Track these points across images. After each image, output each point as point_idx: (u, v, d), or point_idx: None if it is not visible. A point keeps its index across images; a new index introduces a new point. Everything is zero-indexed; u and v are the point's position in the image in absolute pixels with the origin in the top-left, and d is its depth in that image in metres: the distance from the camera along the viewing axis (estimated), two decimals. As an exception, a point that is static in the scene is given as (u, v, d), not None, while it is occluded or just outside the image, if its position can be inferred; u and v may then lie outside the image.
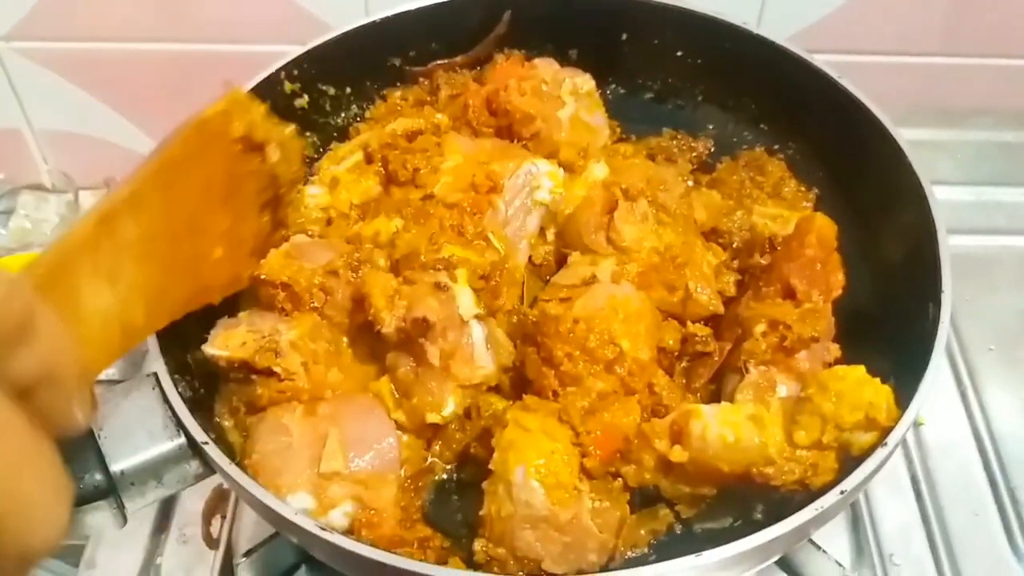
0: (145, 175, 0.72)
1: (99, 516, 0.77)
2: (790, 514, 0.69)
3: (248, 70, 1.02)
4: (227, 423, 0.85)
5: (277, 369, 0.82)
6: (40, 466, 0.45)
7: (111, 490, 0.76)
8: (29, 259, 1.18)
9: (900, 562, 1.00)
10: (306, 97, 1.08)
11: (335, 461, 0.78)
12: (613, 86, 1.17)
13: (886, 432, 0.73)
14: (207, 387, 0.86)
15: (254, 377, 0.83)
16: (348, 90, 1.12)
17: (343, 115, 1.13)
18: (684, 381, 0.90)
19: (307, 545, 0.75)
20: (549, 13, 1.12)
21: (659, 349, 0.87)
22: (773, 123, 1.11)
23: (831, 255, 0.89)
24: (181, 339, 0.84)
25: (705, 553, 0.66)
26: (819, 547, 0.93)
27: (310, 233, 0.97)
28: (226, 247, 0.81)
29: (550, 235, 0.99)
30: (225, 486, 1.02)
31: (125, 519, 0.78)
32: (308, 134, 1.11)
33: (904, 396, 0.75)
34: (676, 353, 0.90)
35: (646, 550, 0.82)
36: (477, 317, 0.86)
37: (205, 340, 0.85)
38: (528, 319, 0.86)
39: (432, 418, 0.84)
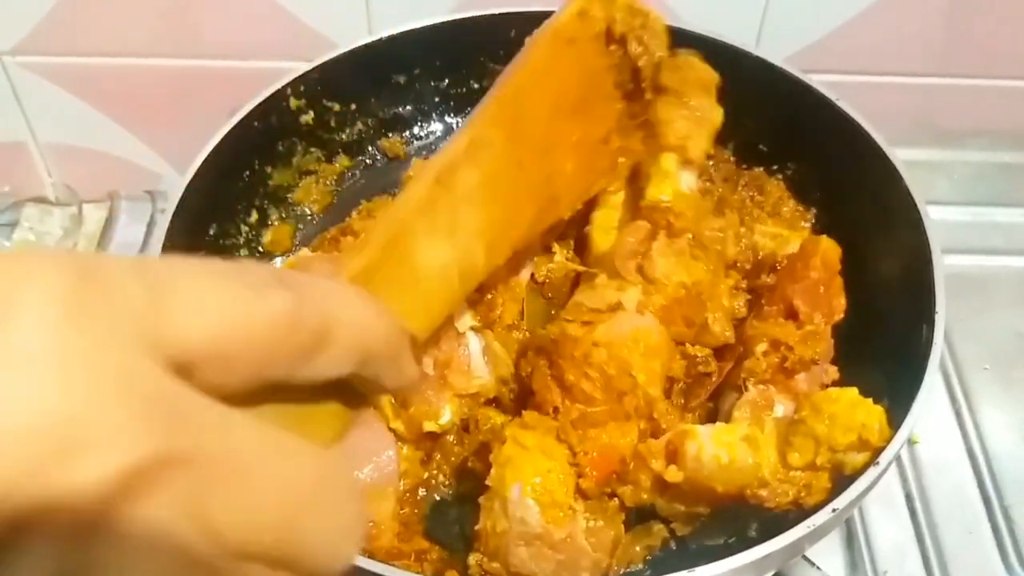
0: (488, 115, 0.69)
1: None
2: (783, 531, 0.70)
3: (252, 86, 1.03)
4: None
5: None
6: (324, 496, 0.37)
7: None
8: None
9: (894, 579, 1.01)
10: (311, 113, 1.09)
11: None
12: (613, 105, 1.18)
13: (878, 452, 0.74)
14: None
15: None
16: (353, 107, 1.14)
17: (348, 131, 1.15)
18: (682, 401, 0.91)
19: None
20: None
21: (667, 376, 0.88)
22: (771, 143, 1.12)
23: (834, 278, 0.90)
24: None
25: (698, 569, 0.67)
26: (813, 564, 0.94)
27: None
28: (577, 158, 0.76)
29: (559, 254, 0.99)
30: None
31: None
32: (313, 150, 1.13)
33: (898, 416, 0.76)
34: (679, 379, 0.90)
35: (641, 566, 0.83)
36: (473, 329, 0.87)
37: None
38: (547, 336, 0.85)
39: (429, 426, 0.85)
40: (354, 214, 1.11)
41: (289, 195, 1.14)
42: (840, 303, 0.88)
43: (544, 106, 0.72)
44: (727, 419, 0.84)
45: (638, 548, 0.84)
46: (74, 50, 1.33)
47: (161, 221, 0.94)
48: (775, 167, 1.11)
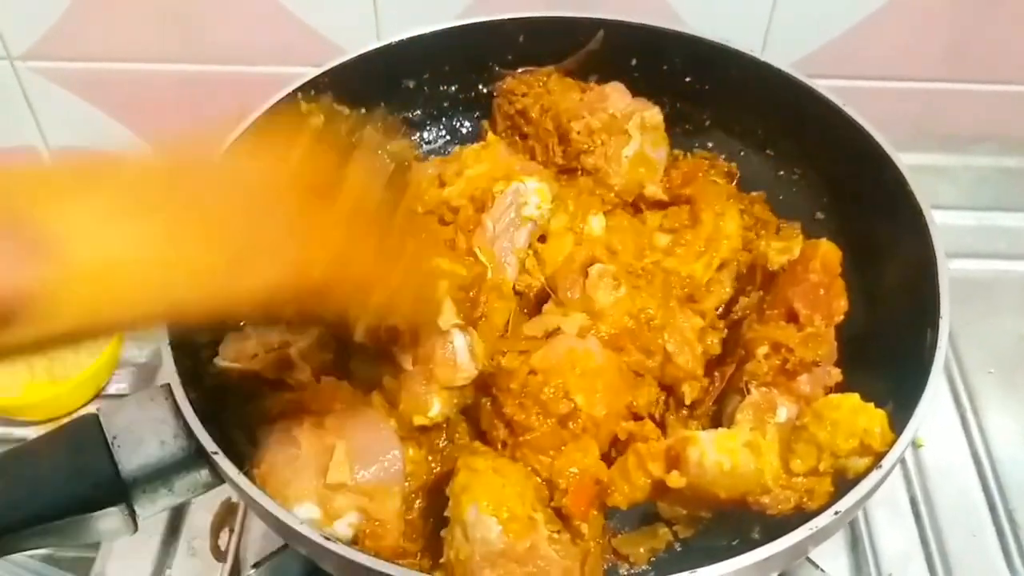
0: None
1: (110, 524, 0.79)
2: (786, 534, 0.70)
3: (260, 91, 1.03)
4: (237, 434, 0.86)
5: (289, 380, 0.84)
6: None
7: (123, 496, 0.78)
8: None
9: (899, 582, 1.01)
10: (321, 117, 1.09)
11: (341, 473, 0.79)
12: (621, 110, 1.18)
13: (881, 457, 0.74)
14: (218, 399, 0.87)
15: (264, 388, 0.85)
16: (363, 111, 1.14)
17: (357, 135, 1.15)
18: (686, 413, 0.92)
19: (314, 556, 0.76)
20: (557, 38, 1.14)
21: (631, 410, 0.88)
22: (779, 148, 1.13)
23: (835, 280, 0.90)
24: (193, 352, 0.86)
25: (700, 570, 0.67)
26: (818, 566, 0.94)
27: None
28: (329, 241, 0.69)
29: (535, 272, 0.99)
30: (234, 499, 1.03)
31: (136, 526, 0.80)
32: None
33: (901, 419, 0.76)
34: (657, 412, 0.91)
35: (646, 567, 0.84)
36: (457, 327, 0.88)
37: (216, 353, 0.87)
38: (484, 370, 0.86)
39: (419, 420, 0.86)
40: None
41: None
42: (840, 305, 0.89)
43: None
44: (730, 422, 0.84)
45: (642, 550, 0.84)
46: (84, 55, 1.34)
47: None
48: (781, 172, 1.12)
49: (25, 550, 0.79)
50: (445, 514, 0.77)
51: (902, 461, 1.07)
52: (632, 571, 0.84)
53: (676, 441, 0.79)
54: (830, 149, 1.05)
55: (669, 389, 0.92)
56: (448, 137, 1.22)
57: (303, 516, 0.77)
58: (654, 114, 1.08)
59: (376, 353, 0.87)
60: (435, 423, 0.87)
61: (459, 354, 0.87)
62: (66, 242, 0.45)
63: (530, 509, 0.76)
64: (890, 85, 1.37)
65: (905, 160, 0.95)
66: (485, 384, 0.85)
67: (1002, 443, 1.12)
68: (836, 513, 0.71)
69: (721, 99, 1.14)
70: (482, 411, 0.85)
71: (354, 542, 0.80)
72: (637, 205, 1.06)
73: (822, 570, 0.94)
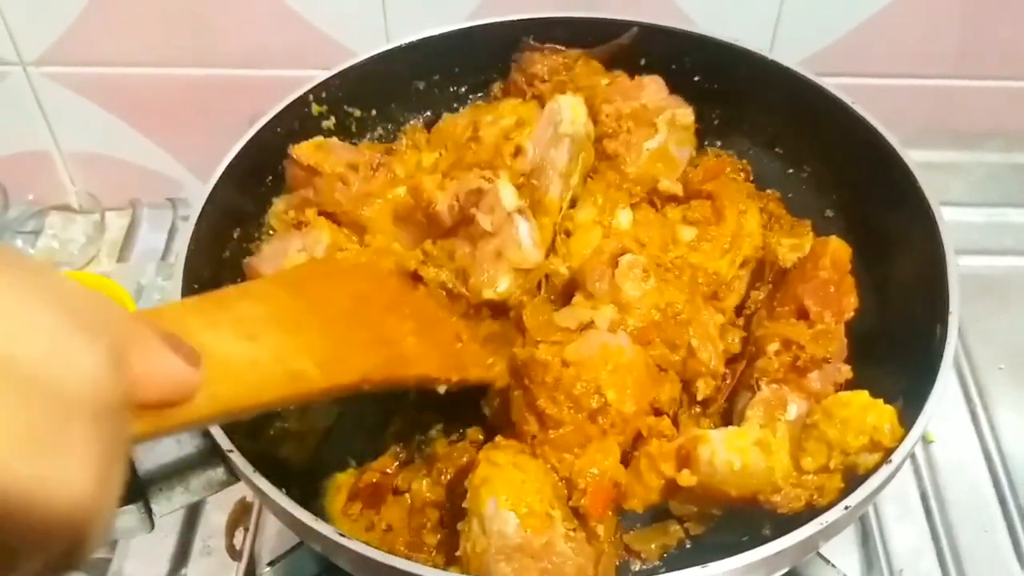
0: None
1: (127, 523, 0.80)
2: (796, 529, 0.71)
3: (271, 95, 1.04)
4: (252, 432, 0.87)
5: None
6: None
7: (139, 494, 0.79)
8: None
9: (910, 578, 1.01)
10: (333, 119, 1.10)
11: None
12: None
13: (890, 452, 0.74)
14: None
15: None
16: (374, 112, 1.15)
17: (368, 136, 1.16)
18: (699, 410, 0.92)
19: (328, 552, 0.77)
20: (567, 37, 1.14)
21: (654, 406, 0.87)
22: (788, 146, 1.13)
23: (845, 277, 0.90)
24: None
25: (711, 564, 0.68)
26: (829, 561, 0.94)
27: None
28: (418, 337, 0.84)
29: (563, 258, 0.99)
30: (248, 498, 1.04)
31: (152, 524, 0.81)
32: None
33: (912, 416, 0.76)
34: (675, 409, 0.90)
35: (657, 563, 0.84)
36: (519, 211, 0.90)
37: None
38: (517, 359, 0.86)
39: (488, 294, 0.90)
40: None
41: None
42: (850, 302, 0.89)
43: (339, 293, 0.84)
44: (741, 418, 0.84)
45: (654, 546, 0.85)
46: (97, 61, 1.35)
47: (183, 228, 0.95)
48: (791, 170, 1.12)
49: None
50: (463, 506, 0.78)
51: (912, 457, 1.07)
52: (644, 567, 0.85)
53: (687, 440, 0.80)
54: (839, 147, 1.05)
55: (684, 385, 0.92)
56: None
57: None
58: (686, 113, 1.07)
59: (450, 229, 0.93)
60: (502, 299, 0.90)
61: (523, 238, 0.90)
62: (214, 348, 0.58)
63: (548, 506, 0.76)
64: (898, 82, 1.38)
65: (914, 157, 0.96)
66: (519, 375, 0.85)
67: (1012, 438, 1.12)
68: (846, 508, 0.72)
69: (730, 98, 1.14)
70: (513, 403, 0.85)
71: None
72: (652, 199, 1.06)
73: (833, 566, 0.94)
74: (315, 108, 1.08)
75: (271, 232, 1.04)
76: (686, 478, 0.77)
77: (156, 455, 0.80)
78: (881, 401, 0.76)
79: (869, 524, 1.04)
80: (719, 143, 1.16)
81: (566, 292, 0.95)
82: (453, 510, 0.83)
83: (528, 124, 1.01)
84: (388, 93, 1.15)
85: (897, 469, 0.74)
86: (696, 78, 1.13)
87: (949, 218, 0.90)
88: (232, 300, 0.70)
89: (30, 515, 0.38)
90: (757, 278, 1.00)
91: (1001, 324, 1.22)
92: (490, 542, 0.74)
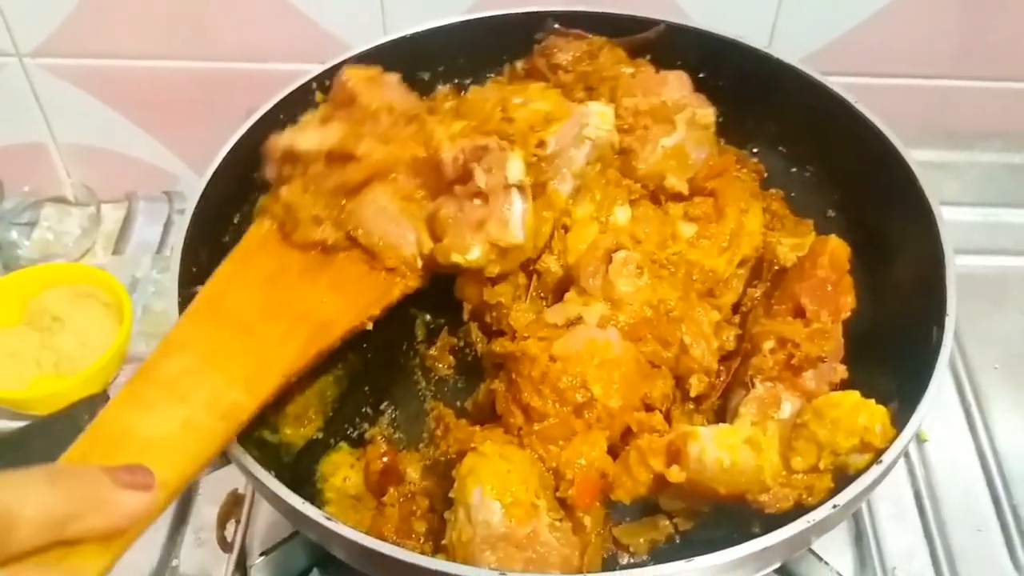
0: (190, 314, 0.81)
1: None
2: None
3: (268, 88, 1.04)
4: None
5: None
6: None
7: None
8: (50, 270, 1.22)
9: (903, 576, 1.01)
10: None
11: None
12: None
13: (881, 453, 0.74)
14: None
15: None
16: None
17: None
18: (693, 406, 0.92)
19: (323, 540, 0.77)
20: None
21: (645, 402, 0.87)
22: (791, 145, 1.12)
23: (843, 277, 0.90)
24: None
25: (696, 559, 0.68)
26: (822, 559, 0.94)
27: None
28: (334, 294, 0.87)
29: (558, 257, 0.98)
30: (240, 489, 1.04)
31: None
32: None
33: (906, 416, 0.76)
34: (668, 405, 0.90)
35: (645, 557, 0.84)
36: (520, 187, 0.89)
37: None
38: (506, 350, 0.86)
39: (456, 258, 0.88)
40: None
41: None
42: (847, 301, 0.88)
43: (250, 291, 0.86)
44: (734, 415, 0.84)
45: (642, 540, 0.85)
46: (93, 53, 1.35)
47: (179, 221, 0.95)
48: (794, 169, 1.12)
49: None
50: (450, 495, 0.78)
51: (907, 456, 1.07)
52: (632, 561, 0.85)
53: (677, 436, 0.79)
54: (841, 146, 1.05)
55: (678, 381, 0.92)
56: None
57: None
58: (707, 113, 1.05)
59: (450, 182, 0.91)
60: (469, 266, 0.89)
61: (514, 216, 0.89)
62: (153, 434, 0.70)
63: (533, 496, 0.76)
64: (897, 82, 1.38)
65: (913, 156, 0.95)
66: (505, 369, 0.85)
67: (1007, 438, 1.12)
68: (835, 507, 0.72)
69: (734, 95, 1.12)
70: (498, 396, 0.85)
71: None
72: (656, 196, 1.05)
73: (826, 563, 0.94)
74: (319, 96, 1.06)
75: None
76: (675, 474, 0.77)
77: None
78: (872, 401, 0.76)
79: (863, 522, 1.04)
80: (722, 140, 1.15)
81: (558, 290, 0.95)
82: (442, 498, 0.83)
83: (557, 120, 1.00)
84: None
85: (888, 469, 0.74)
86: (701, 74, 1.11)
87: (946, 218, 0.90)
88: (158, 366, 0.75)
89: None
90: (755, 276, 1.00)
91: (997, 324, 1.22)
92: (475, 531, 0.74)
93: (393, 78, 1.01)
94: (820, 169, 1.10)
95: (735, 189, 1.04)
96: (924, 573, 1.02)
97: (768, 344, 0.87)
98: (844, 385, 0.84)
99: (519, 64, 1.16)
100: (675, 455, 0.78)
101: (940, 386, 0.78)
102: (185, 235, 0.92)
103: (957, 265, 0.87)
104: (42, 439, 1.02)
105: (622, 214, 1.01)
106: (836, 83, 1.04)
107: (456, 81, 1.17)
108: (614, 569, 0.83)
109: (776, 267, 0.97)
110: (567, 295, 0.92)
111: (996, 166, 1.40)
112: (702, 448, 0.77)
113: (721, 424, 0.83)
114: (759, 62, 1.09)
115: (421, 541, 0.86)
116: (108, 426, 0.69)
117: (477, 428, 0.86)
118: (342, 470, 0.95)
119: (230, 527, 1.02)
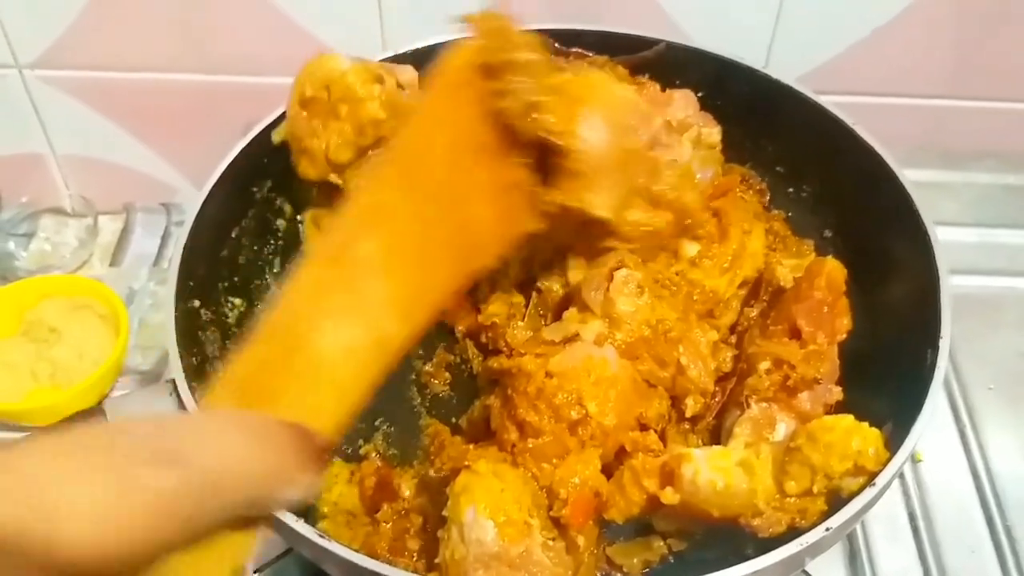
0: (382, 178, 0.67)
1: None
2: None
3: (267, 101, 1.04)
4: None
5: None
6: None
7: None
8: (47, 281, 1.22)
9: (896, 597, 1.01)
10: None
11: None
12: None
13: (874, 476, 0.75)
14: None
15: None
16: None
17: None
18: (688, 427, 0.92)
19: (316, 559, 0.77)
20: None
21: (640, 421, 0.87)
22: (789, 165, 1.13)
23: (839, 299, 0.90)
24: (199, 348, 0.88)
25: (684, 582, 0.68)
26: (814, 580, 0.95)
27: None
28: (495, 203, 0.73)
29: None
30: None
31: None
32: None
33: (900, 438, 0.76)
34: (663, 424, 0.90)
35: (639, 577, 0.84)
36: None
37: (225, 347, 0.90)
38: (503, 366, 0.86)
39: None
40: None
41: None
42: (844, 323, 0.89)
43: (441, 157, 0.69)
44: (728, 436, 0.84)
45: (636, 560, 0.85)
46: (92, 64, 1.35)
47: (176, 233, 0.95)
48: (791, 189, 1.12)
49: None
50: (444, 513, 0.78)
51: (901, 476, 1.07)
52: (626, 580, 0.85)
53: (671, 458, 0.79)
54: (838, 166, 1.05)
55: (673, 401, 0.92)
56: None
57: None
58: (713, 132, 1.05)
59: None
60: None
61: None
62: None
63: (526, 515, 0.77)
64: (892, 101, 1.38)
65: (908, 176, 0.96)
66: (502, 384, 0.86)
67: (1001, 459, 1.12)
68: (828, 530, 0.72)
69: (733, 115, 1.12)
70: (493, 412, 0.86)
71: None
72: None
73: (819, 584, 0.94)
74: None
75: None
76: (669, 496, 0.77)
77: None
78: (866, 425, 0.76)
79: (857, 543, 1.04)
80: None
81: (559, 310, 0.95)
82: (436, 516, 0.83)
83: None
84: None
85: (882, 492, 0.74)
86: (699, 94, 1.12)
87: (941, 238, 0.90)
88: (350, 246, 0.61)
89: None
90: (752, 296, 1.00)
91: (992, 344, 1.22)
92: (468, 550, 0.75)
93: None
94: (816, 189, 1.11)
95: (739, 209, 1.05)
96: (918, 593, 1.02)
97: (764, 365, 0.87)
98: (839, 406, 0.84)
99: None
100: (669, 476, 0.78)
101: (934, 408, 0.78)
102: (183, 248, 0.92)
103: (952, 285, 0.87)
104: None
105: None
106: (832, 103, 1.04)
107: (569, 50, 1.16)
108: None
109: (772, 287, 0.97)
110: (566, 313, 0.92)
111: (991, 186, 1.41)
112: (696, 470, 0.77)
113: (715, 446, 0.83)
114: (756, 82, 1.10)
115: (414, 559, 0.86)
116: (293, 327, 0.56)
117: (471, 446, 0.86)
118: (338, 485, 0.95)
119: (225, 543, 1.01)
